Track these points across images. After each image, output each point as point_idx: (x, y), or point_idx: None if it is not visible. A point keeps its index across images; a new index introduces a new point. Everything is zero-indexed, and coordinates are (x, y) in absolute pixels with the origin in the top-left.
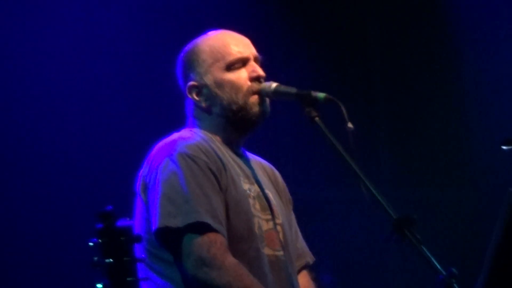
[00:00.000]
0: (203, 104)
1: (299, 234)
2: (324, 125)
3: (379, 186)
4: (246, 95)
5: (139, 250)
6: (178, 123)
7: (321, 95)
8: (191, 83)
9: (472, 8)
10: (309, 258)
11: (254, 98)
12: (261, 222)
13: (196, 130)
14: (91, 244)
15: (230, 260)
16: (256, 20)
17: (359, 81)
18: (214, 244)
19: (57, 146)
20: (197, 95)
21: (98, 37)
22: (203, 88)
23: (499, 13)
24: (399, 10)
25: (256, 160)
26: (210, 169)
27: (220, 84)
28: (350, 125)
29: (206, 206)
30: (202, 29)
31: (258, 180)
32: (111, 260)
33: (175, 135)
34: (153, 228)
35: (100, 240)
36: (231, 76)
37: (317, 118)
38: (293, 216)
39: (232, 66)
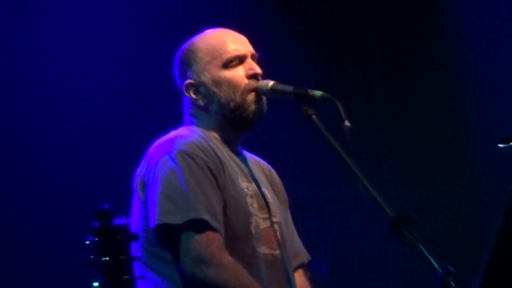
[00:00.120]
0: (201, 102)
1: (295, 233)
2: (322, 123)
3: (379, 186)
4: (244, 93)
5: (136, 248)
6: (175, 122)
7: (318, 93)
8: (188, 81)
9: (472, 8)
10: (305, 257)
11: (252, 96)
12: (259, 220)
13: (194, 128)
14: (87, 242)
15: (228, 258)
16: (256, 19)
17: (359, 81)
18: (212, 243)
19: (54, 145)
20: (195, 93)
21: (98, 37)
22: (200, 86)
23: (499, 13)
24: (399, 10)
25: (253, 158)
26: (209, 167)
27: (217, 82)
28: (347, 123)
29: (205, 204)
30: (202, 29)
31: (256, 178)
32: (108, 258)
33: (173, 133)
34: (152, 225)
35: (96, 239)
36: (228, 74)
37: (314, 116)
38: (289, 215)
39: (229, 63)
